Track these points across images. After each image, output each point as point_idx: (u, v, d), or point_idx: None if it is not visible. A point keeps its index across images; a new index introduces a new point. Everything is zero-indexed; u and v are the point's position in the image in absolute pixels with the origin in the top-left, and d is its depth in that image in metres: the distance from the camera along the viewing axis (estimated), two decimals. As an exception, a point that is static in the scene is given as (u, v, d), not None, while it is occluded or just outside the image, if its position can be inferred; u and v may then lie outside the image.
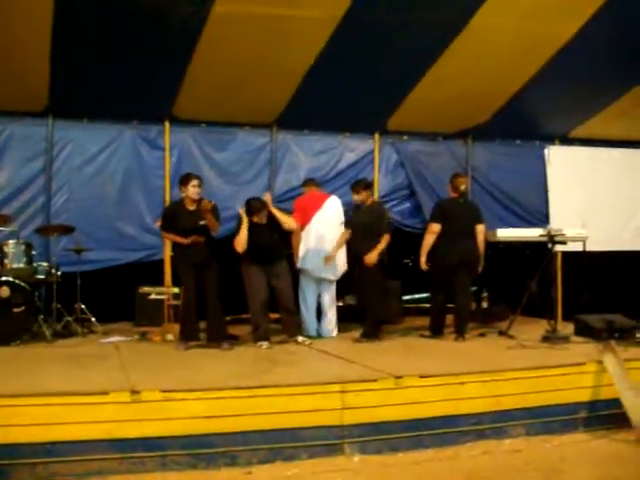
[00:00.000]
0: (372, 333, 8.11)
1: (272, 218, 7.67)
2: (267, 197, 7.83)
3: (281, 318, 8.10)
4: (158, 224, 8.01)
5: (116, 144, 9.49)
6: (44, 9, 7.24)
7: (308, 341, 7.85)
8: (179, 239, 7.53)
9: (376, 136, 10.47)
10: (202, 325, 7.73)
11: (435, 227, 8.20)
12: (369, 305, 8.16)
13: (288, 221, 7.84)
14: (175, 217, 7.57)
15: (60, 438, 4.94)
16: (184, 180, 7.60)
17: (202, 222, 7.49)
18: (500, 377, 6.05)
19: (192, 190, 7.51)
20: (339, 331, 8.64)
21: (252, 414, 5.33)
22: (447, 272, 8.14)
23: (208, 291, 7.55)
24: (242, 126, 9.93)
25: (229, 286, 8.12)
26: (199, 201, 7.51)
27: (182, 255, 7.62)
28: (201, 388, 5.39)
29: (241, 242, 7.59)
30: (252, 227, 7.63)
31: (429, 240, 8.23)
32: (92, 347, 7.74)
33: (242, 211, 7.65)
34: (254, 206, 7.62)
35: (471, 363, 6.54)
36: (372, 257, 7.89)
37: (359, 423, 5.55)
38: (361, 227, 8.08)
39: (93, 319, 8.77)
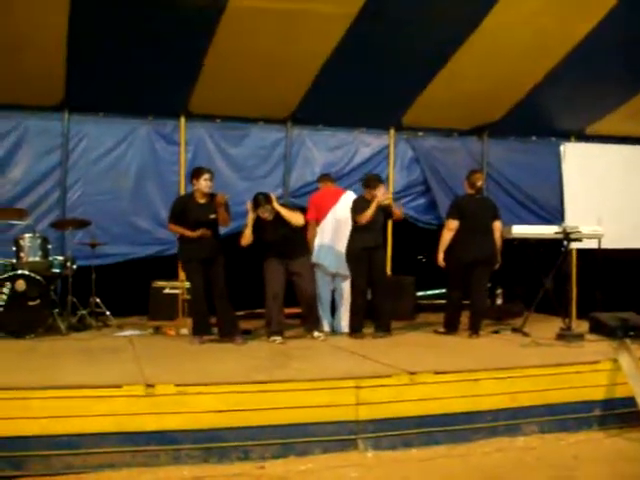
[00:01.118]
0: (387, 327, 8.13)
1: (279, 215, 7.66)
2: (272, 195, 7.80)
3: (301, 313, 8.11)
4: (169, 226, 8.03)
5: (131, 139, 9.53)
6: (61, 3, 7.27)
7: (322, 336, 7.85)
8: (187, 232, 7.52)
9: (391, 132, 10.45)
10: (212, 320, 7.73)
11: (453, 224, 8.17)
12: (385, 299, 8.19)
13: (294, 217, 7.75)
14: (185, 210, 7.57)
15: (74, 431, 4.96)
16: (196, 173, 7.60)
17: (212, 216, 7.50)
18: (515, 374, 6.03)
19: (204, 184, 7.51)
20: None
21: (266, 409, 5.34)
22: (464, 269, 8.12)
23: (216, 285, 7.54)
24: (257, 121, 9.94)
25: (242, 281, 8.13)
26: (212, 195, 7.53)
27: (189, 249, 7.61)
28: (215, 382, 5.41)
29: (245, 237, 7.59)
30: (259, 224, 7.63)
31: (447, 237, 8.20)
32: (106, 341, 7.76)
33: (249, 205, 7.65)
34: (258, 200, 7.59)
35: (485, 360, 6.54)
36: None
37: (373, 419, 5.54)
38: (374, 221, 8.07)
39: (108, 313, 8.80)
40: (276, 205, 7.63)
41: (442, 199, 10.12)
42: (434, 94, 9.41)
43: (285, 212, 7.66)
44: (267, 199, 7.60)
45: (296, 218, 7.76)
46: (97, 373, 5.74)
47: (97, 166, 9.40)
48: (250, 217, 7.59)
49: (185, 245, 7.67)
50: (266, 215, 7.59)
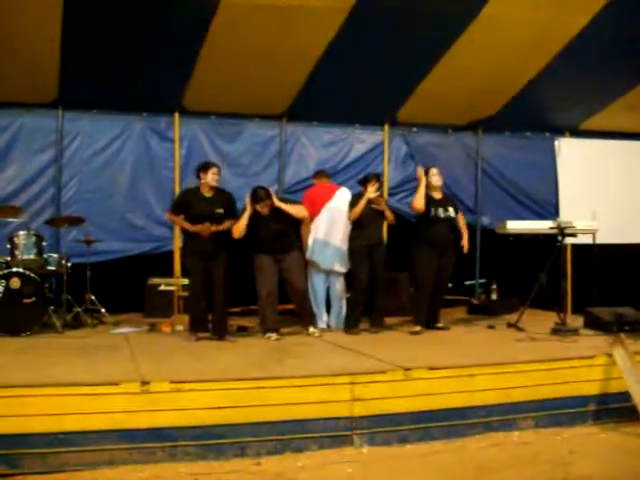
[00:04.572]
0: (382, 322, 8.24)
1: (275, 210, 7.64)
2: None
3: (294, 309, 8.11)
4: (167, 215, 8.03)
5: (126, 135, 9.53)
6: (54, 1, 7.25)
7: (318, 333, 7.86)
8: (186, 225, 7.52)
9: (386, 128, 10.48)
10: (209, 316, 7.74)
11: None
12: (382, 296, 8.27)
13: (297, 210, 7.83)
14: (191, 203, 7.57)
15: (71, 428, 4.96)
16: (204, 167, 7.62)
17: (219, 210, 7.53)
18: (509, 369, 6.05)
19: (211, 177, 7.55)
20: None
21: (261, 405, 5.35)
22: None
23: (215, 282, 7.54)
24: (252, 118, 9.95)
25: (238, 277, 8.13)
26: (218, 189, 7.61)
27: (191, 245, 7.61)
28: (210, 379, 5.42)
29: (239, 229, 7.56)
30: (255, 218, 7.62)
31: None
32: (102, 338, 7.76)
33: (248, 198, 7.66)
34: (258, 194, 7.57)
35: (480, 355, 6.54)
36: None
37: (368, 415, 5.55)
38: (373, 218, 8.15)
39: (103, 310, 8.80)
40: (276, 200, 7.64)
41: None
42: (429, 90, 9.41)
43: (286, 207, 7.68)
44: (267, 194, 7.61)
45: (298, 210, 7.85)
46: (93, 370, 5.72)
47: (91, 163, 9.40)
48: (247, 210, 7.58)
49: (188, 239, 7.67)
50: (264, 210, 7.59)
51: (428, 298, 8.14)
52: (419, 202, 7.98)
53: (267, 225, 7.63)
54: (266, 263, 7.67)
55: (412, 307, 8.34)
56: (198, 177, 7.65)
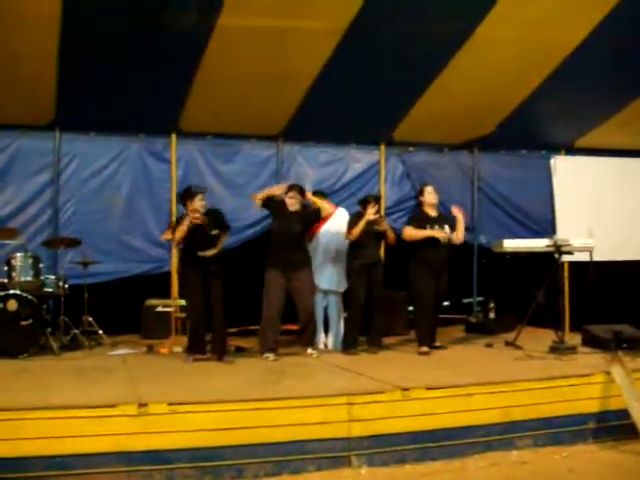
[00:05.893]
0: (380, 342, 8.20)
1: (302, 213, 7.83)
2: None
3: (299, 329, 8.06)
4: (165, 237, 8.03)
5: (123, 157, 9.55)
6: (51, 23, 7.29)
7: (316, 354, 7.84)
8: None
9: (382, 147, 10.50)
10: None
11: None
12: (380, 315, 8.26)
13: (326, 207, 7.97)
14: (191, 230, 7.49)
15: (68, 451, 4.94)
16: (189, 195, 7.53)
17: (215, 231, 7.53)
18: (507, 388, 6.04)
19: (199, 204, 7.47)
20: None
21: (259, 427, 5.33)
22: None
23: (214, 298, 7.47)
24: (248, 138, 9.97)
25: (237, 297, 8.11)
26: (207, 211, 7.57)
27: (191, 265, 7.56)
28: (208, 401, 5.40)
29: (258, 195, 7.83)
30: (284, 213, 7.77)
31: None
32: (99, 360, 7.74)
33: (284, 186, 7.95)
34: (294, 186, 7.89)
35: (479, 374, 6.53)
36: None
37: (366, 435, 5.53)
38: (371, 237, 8.16)
39: (100, 332, 8.75)
40: (309, 195, 7.94)
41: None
42: (425, 109, 9.44)
43: (319, 202, 7.94)
44: (302, 191, 7.84)
45: (327, 208, 8.01)
46: (90, 393, 5.71)
47: (89, 184, 9.42)
48: (275, 190, 7.89)
49: (188, 260, 7.62)
50: (292, 202, 7.76)
51: (430, 316, 8.13)
52: (414, 234, 8.04)
53: (290, 223, 7.73)
54: (274, 280, 7.66)
55: (415, 327, 8.31)
56: (184, 205, 7.61)
